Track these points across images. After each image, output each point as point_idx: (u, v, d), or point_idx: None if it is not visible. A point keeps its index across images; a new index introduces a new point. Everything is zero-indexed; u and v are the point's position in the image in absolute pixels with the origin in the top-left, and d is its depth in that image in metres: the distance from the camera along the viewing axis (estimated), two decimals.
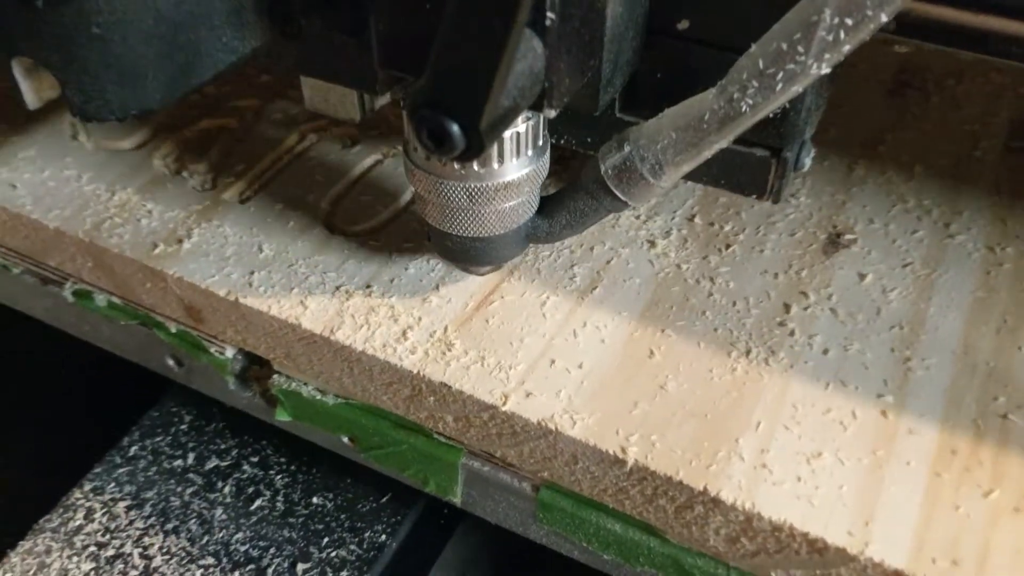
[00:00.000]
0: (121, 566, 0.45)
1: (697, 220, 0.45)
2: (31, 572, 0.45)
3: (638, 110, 0.38)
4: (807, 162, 0.38)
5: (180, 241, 0.43)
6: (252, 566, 0.46)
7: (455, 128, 0.28)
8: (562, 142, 0.41)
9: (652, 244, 0.43)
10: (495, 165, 0.36)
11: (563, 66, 0.30)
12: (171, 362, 0.47)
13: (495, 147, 0.36)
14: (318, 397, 0.43)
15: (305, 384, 0.43)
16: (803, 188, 0.46)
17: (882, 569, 0.32)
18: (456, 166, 0.36)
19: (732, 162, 0.38)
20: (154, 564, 0.45)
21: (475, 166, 0.36)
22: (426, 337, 0.39)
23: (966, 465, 0.35)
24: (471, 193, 0.37)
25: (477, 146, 0.28)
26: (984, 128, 0.50)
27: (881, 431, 0.36)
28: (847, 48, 0.27)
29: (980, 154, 0.49)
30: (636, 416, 0.36)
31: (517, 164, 0.37)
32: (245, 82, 0.54)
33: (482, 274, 0.42)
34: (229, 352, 0.45)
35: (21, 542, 0.46)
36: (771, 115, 0.30)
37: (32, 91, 0.32)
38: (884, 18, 0.26)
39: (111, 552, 0.46)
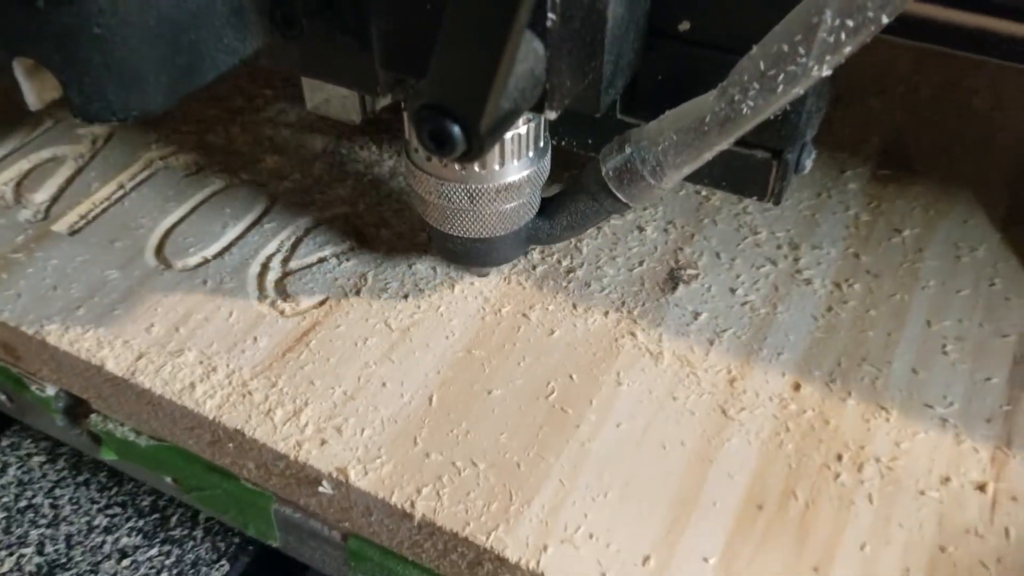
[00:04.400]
0: (31, 515, 0.46)
1: (534, 253, 0.43)
2: None
3: (639, 112, 0.37)
4: (808, 164, 0.38)
5: None
6: (157, 515, 0.46)
7: (456, 129, 0.28)
8: (563, 144, 0.41)
9: (480, 277, 0.42)
10: (496, 166, 0.36)
11: (564, 67, 0.30)
12: (2, 397, 0.46)
13: (496, 148, 0.36)
14: (132, 438, 0.41)
15: (121, 424, 0.42)
16: (652, 219, 0.45)
17: None
18: (457, 167, 0.36)
19: (733, 164, 0.37)
20: (63, 513, 0.46)
21: (476, 167, 0.36)
22: (227, 381, 0.38)
23: (770, 522, 0.33)
24: (472, 194, 0.37)
25: (478, 147, 0.28)
26: (853, 155, 0.49)
27: (689, 486, 0.34)
28: (848, 50, 0.27)
29: (844, 183, 0.47)
30: (431, 466, 0.35)
31: (518, 165, 0.37)
32: None
33: (484, 275, 0.42)
34: (50, 390, 0.43)
35: None
36: (772, 117, 0.30)
37: (33, 92, 0.32)
38: (885, 20, 0.26)
39: (23, 503, 0.47)
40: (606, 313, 0.40)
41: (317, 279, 0.42)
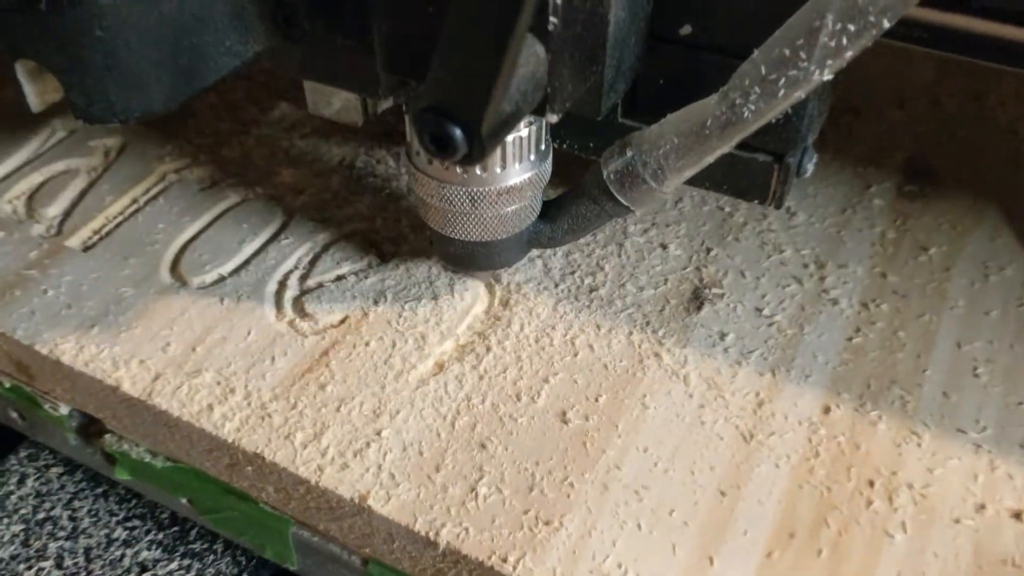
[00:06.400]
0: (50, 527, 0.46)
1: (555, 271, 0.42)
2: None
3: (640, 116, 0.37)
4: (809, 168, 0.38)
5: (12, 293, 0.41)
6: (177, 528, 0.46)
7: (457, 132, 0.28)
8: (564, 147, 0.41)
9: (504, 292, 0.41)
10: (497, 169, 0.36)
11: (565, 71, 0.30)
12: (14, 415, 0.45)
13: (497, 151, 0.36)
14: (148, 459, 0.40)
15: (136, 445, 0.41)
16: (675, 237, 0.44)
17: None
18: (458, 170, 0.36)
19: (734, 167, 0.37)
20: (82, 525, 0.46)
21: (477, 170, 0.36)
22: (246, 403, 0.37)
23: (802, 551, 0.33)
24: (473, 197, 0.37)
25: (479, 150, 0.28)
26: (877, 170, 0.48)
27: (719, 514, 0.34)
28: (849, 54, 0.27)
29: (869, 200, 0.46)
30: (455, 493, 0.34)
31: (519, 168, 0.37)
32: None
33: (484, 279, 0.42)
34: (64, 409, 0.42)
35: None
36: (774, 121, 0.30)
37: (35, 94, 0.32)
38: (887, 24, 0.26)
39: (41, 515, 0.46)
40: (630, 333, 0.40)
41: (336, 297, 0.41)
